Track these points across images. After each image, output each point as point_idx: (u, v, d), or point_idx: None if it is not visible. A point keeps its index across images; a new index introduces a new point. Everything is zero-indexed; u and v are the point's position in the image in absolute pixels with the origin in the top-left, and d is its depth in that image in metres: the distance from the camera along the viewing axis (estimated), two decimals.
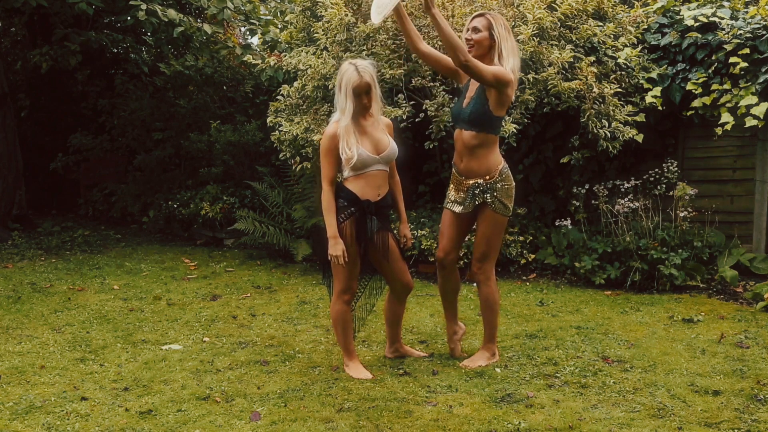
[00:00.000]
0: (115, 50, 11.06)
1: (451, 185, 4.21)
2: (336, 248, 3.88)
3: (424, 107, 6.14)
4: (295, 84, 6.59)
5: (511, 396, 3.71)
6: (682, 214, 6.20)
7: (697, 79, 6.26)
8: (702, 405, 3.54)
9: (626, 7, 6.98)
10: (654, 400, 3.61)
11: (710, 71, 6.26)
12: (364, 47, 6.21)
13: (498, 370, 4.11)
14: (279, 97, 6.82)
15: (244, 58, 8.44)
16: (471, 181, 4.07)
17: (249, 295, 6.21)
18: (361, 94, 3.88)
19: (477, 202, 4.08)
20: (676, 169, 6.44)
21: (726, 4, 6.63)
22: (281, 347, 4.63)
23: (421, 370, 4.12)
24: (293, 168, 7.02)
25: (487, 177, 4.04)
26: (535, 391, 3.77)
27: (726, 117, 5.94)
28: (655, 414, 3.44)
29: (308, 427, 3.34)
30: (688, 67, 6.42)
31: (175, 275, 7.03)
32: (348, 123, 3.88)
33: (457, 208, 4.16)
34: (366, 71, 3.88)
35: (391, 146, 4.00)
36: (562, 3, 6.14)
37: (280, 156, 6.82)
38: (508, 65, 3.93)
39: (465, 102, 4.09)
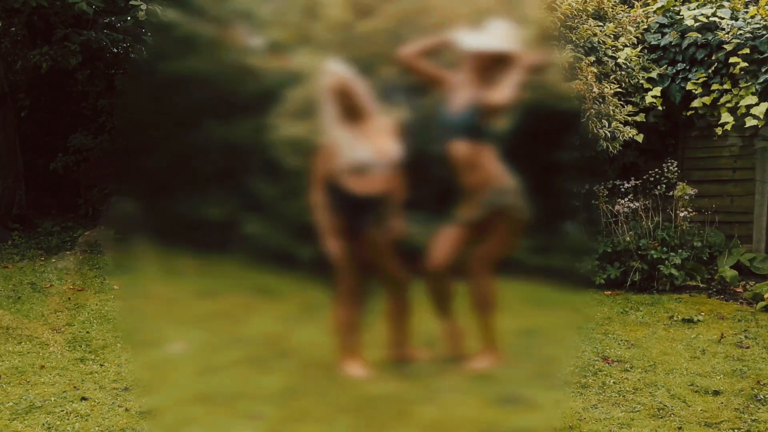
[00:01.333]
0: (115, 50, 11.04)
1: (458, 204, 4.16)
2: (331, 247, 3.87)
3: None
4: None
5: (511, 396, 3.70)
6: (682, 214, 6.20)
7: (697, 79, 6.25)
8: (702, 405, 3.53)
9: (626, 7, 6.98)
10: (654, 400, 3.61)
11: (710, 71, 6.26)
12: (365, 48, 6.20)
13: (498, 370, 4.10)
14: None
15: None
16: (480, 191, 4.04)
17: (249, 294, 6.20)
18: (339, 92, 3.86)
19: (491, 210, 4.04)
20: (676, 169, 6.44)
21: (726, 4, 6.63)
22: (281, 347, 4.62)
23: (421, 370, 4.11)
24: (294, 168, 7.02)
25: (494, 180, 4.02)
26: (535, 391, 3.76)
27: (726, 117, 5.94)
28: (655, 414, 3.44)
29: (308, 427, 3.34)
30: (688, 67, 6.41)
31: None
32: (338, 129, 3.86)
33: (465, 219, 4.12)
34: (336, 69, 3.87)
35: (395, 149, 3.97)
36: (562, 3, 6.13)
37: None
38: None
39: (455, 109, 4.04)
